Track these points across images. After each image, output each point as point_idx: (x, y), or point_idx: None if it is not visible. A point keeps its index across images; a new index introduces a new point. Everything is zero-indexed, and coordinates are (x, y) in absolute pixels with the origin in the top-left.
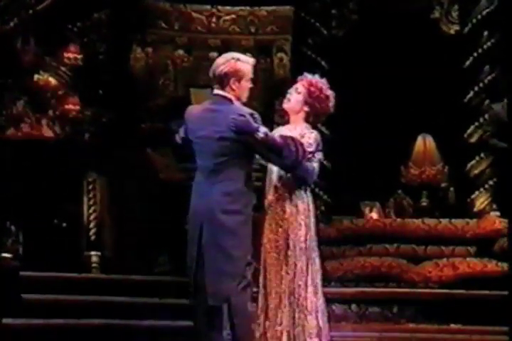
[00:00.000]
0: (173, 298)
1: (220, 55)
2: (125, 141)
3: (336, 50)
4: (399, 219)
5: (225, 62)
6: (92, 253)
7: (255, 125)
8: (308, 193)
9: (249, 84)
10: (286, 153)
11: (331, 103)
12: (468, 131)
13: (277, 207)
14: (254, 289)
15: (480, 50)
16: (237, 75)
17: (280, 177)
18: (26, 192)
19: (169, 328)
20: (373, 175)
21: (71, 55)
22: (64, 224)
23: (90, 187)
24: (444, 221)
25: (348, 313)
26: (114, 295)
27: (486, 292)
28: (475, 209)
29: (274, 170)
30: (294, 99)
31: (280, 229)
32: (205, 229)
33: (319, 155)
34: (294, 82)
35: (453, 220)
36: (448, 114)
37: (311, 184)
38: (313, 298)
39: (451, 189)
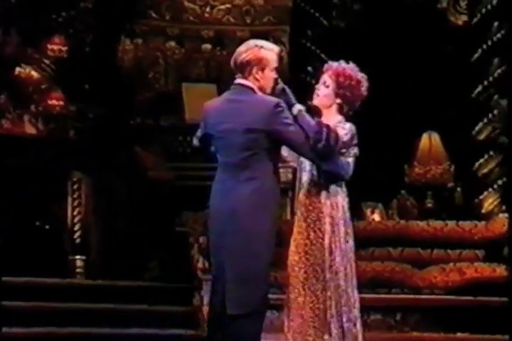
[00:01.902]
0: (163, 305)
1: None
2: (112, 139)
3: (337, 42)
4: (402, 221)
5: (248, 49)
6: (77, 257)
7: (284, 114)
8: (344, 189)
9: (274, 74)
10: (318, 141)
11: (364, 87)
12: (477, 127)
13: (309, 208)
14: (280, 296)
15: (489, 42)
16: (260, 63)
17: (312, 174)
18: (6, 192)
19: (159, 337)
20: (375, 175)
21: (55, 47)
22: (47, 226)
23: (75, 187)
24: (451, 223)
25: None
26: (100, 302)
27: (495, 298)
28: (483, 211)
29: (307, 168)
30: (323, 94)
31: (313, 233)
32: (229, 230)
33: (354, 150)
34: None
35: (460, 222)
36: (455, 110)
37: (345, 179)
38: (358, 304)
39: (458, 189)
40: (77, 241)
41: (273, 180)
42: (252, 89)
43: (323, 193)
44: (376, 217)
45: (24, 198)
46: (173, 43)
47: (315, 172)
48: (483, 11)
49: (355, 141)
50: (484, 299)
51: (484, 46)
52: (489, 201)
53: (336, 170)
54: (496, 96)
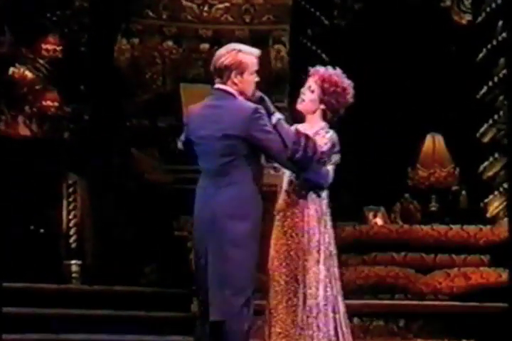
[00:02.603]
0: (160, 310)
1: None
2: (108, 140)
3: (338, 41)
4: (406, 226)
5: (226, 53)
6: (73, 262)
7: (262, 121)
8: (324, 197)
9: (254, 78)
10: (296, 151)
11: (350, 94)
12: (481, 129)
13: (287, 214)
14: (260, 302)
15: (494, 42)
16: (239, 67)
17: (291, 182)
18: (0, 195)
19: None
20: (378, 178)
21: (50, 47)
22: (41, 231)
23: (70, 190)
24: (455, 227)
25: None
26: (96, 308)
27: (501, 304)
28: (488, 215)
29: (286, 173)
30: (308, 99)
31: (291, 238)
32: (209, 237)
33: (335, 158)
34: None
35: (465, 226)
36: (459, 111)
37: (324, 188)
38: (331, 313)
39: (463, 192)
40: (73, 245)
41: (253, 185)
42: (231, 94)
43: (301, 200)
44: (379, 221)
45: (18, 201)
46: (170, 43)
47: (293, 179)
48: (488, 9)
49: (336, 149)
50: (490, 305)
51: (489, 46)
52: (494, 205)
53: (315, 179)
54: (501, 97)
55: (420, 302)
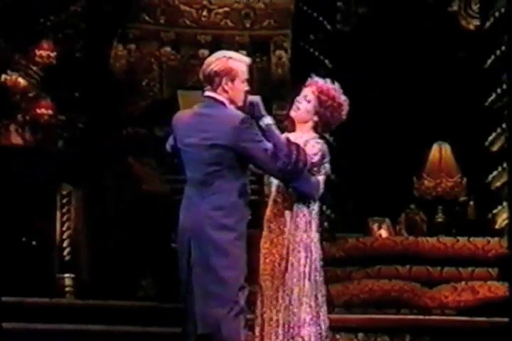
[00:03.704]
0: (157, 326)
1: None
2: (104, 150)
3: (341, 47)
4: (411, 238)
5: (216, 60)
6: (66, 275)
7: (251, 130)
8: (314, 208)
9: (245, 86)
10: (287, 161)
11: (344, 111)
12: (490, 138)
13: (275, 224)
14: (250, 316)
15: (503, 48)
16: (229, 74)
17: (280, 191)
18: None
19: None
20: (382, 188)
21: (43, 53)
22: (34, 243)
23: (64, 200)
24: (463, 239)
25: None
26: (90, 323)
27: (510, 319)
28: (497, 226)
29: (274, 183)
30: (304, 107)
31: (277, 249)
32: (193, 247)
33: (326, 168)
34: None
35: (472, 238)
36: (467, 119)
37: (314, 199)
38: (313, 328)
39: (471, 203)
40: (66, 258)
41: (238, 196)
42: (221, 102)
43: (287, 210)
44: (383, 232)
45: (10, 212)
46: (168, 49)
47: (281, 188)
48: (497, 14)
49: (326, 159)
50: (498, 320)
51: (497, 52)
52: (503, 216)
53: (307, 189)
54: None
55: (426, 317)
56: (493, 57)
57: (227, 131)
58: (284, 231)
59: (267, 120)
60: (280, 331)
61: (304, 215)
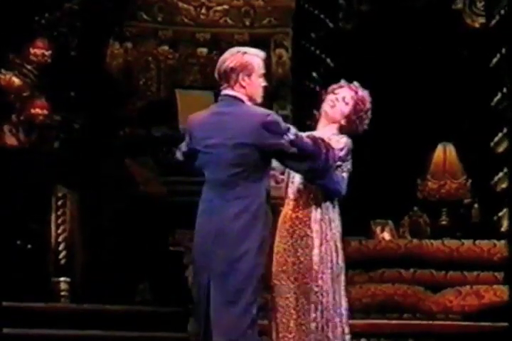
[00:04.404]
0: (155, 331)
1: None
2: (100, 151)
3: (343, 46)
4: (415, 241)
5: (231, 56)
6: (61, 279)
7: (276, 126)
8: (336, 208)
9: (262, 81)
10: (316, 157)
11: (367, 121)
12: (495, 139)
13: (297, 225)
14: (265, 322)
15: (509, 46)
16: (246, 70)
17: (301, 190)
18: None
19: None
20: (385, 190)
21: (38, 51)
22: (29, 246)
23: (59, 203)
24: (467, 242)
25: None
26: (86, 329)
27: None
28: (502, 229)
29: (296, 182)
30: (340, 108)
31: (301, 251)
32: (215, 254)
33: (349, 166)
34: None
35: (477, 241)
36: (472, 119)
37: (342, 195)
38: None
39: (475, 205)
40: (62, 261)
41: (263, 198)
42: (240, 99)
43: (313, 208)
44: (386, 235)
45: (4, 215)
46: (165, 47)
47: (305, 186)
48: (502, 12)
49: (349, 156)
50: (504, 325)
51: (503, 50)
52: (509, 218)
53: (333, 186)
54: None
55: (430, 322)
56: (498, 56)
57: (252, 129)
58: (309, 229)
59: (292, 131)
60: (310, 334)
61: (329, 212)
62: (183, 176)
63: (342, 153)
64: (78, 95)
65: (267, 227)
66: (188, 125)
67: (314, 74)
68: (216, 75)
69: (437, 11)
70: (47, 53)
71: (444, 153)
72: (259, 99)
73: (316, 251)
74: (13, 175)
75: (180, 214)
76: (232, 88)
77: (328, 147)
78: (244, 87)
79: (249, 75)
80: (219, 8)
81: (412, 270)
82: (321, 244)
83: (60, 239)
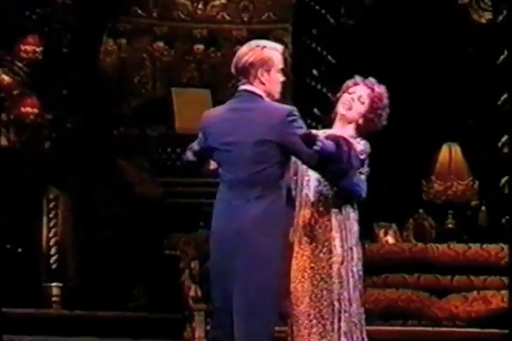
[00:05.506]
0: (149, 338)
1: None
2: (93, 151)
3: (345, 42)
4: (420, 244)
5: (249, 50)
6: (53, 284)
7: (298, 124)
8: (356, 208)
9: (281, 77)
10: (338, 157)
11: (384, 118)
12: (503, 139)
13: (316, 228)
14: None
15: None
16: (265, 64)
17: (320, 192)
18: None
19: None
20: (389, 191)
21: (29, 48)
22: (19, 250)
23: (51, 205)
24: (474, 246)
25: None
26: (78, 335)
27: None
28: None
29: (313, 185)
30: (356, 108)
31: (321, 257)
32: (236, 257)
33: (367, 168)
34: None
35: (484, 245)
36: (478, 119)
37: (362, 197)
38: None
39: (483, 208)
40: (54, 266)
41: (283, 198)
42: (259, 95)
43: (333, 211)
44: (390, 239)
45: None
46: (161, 44)
47: (323, 188)
48: (510, 7)
49: (368, 161)
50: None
51: (511, 47)
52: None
53: (353, 187)
54: None
55: (435, 329)
56: (506, 52)
57: (274, 126)
58: (329, 234)
59: (310, 129)
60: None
61: (350, 215)
62: (179, 177)
63: (363, 156)
64: (70, 93)
65: (287, 228)
66: (203, 122)
67: (315, 71)
68: (233, 70)
69: (442, 6)
70: (38, 50)
71: (450, 153)
72: (277, 95)
73: (336, 259)
74: (3, 176)
75: (176, 216)
76: (251, 83)
77: (351, 147)
78: (263, 83)
79: (268, 71)
80: (216, 2)
81: (416, 275)
82: (343, 250)
83: (51, 243)
